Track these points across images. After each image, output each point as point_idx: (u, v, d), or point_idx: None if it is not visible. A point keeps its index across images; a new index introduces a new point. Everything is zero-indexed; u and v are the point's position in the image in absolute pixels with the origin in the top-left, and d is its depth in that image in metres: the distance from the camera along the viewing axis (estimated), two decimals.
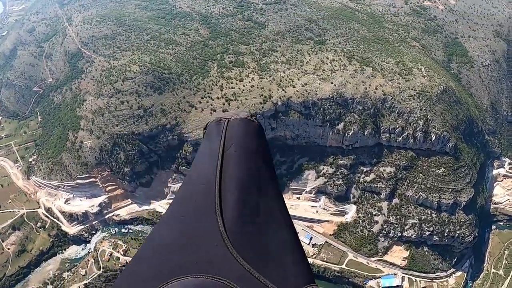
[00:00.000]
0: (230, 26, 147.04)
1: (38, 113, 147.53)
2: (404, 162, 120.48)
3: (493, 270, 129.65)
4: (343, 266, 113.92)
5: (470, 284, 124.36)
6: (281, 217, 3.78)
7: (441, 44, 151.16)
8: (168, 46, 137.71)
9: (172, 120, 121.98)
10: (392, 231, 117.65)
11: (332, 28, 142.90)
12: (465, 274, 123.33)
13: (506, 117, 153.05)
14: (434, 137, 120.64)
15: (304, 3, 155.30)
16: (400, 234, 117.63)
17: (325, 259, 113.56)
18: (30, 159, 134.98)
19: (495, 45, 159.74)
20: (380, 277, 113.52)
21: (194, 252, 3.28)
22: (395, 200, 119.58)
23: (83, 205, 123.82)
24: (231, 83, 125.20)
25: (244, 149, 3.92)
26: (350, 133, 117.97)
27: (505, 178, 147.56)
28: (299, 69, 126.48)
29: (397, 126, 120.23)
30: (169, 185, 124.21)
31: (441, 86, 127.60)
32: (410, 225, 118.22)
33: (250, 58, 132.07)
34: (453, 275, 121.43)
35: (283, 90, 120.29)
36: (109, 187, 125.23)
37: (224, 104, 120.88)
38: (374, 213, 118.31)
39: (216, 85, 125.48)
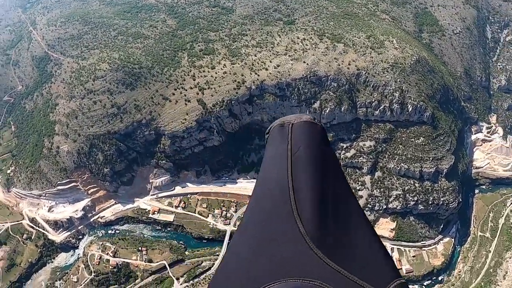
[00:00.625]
0: (198, 14, 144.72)
1: (11, 123, 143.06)
2: (383, 135, 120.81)
3: (479, 233, 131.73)
4: None
5: (459, 249, 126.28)
6: (358, 214, 3.82)
7: (411, 15, 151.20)
8: (136, 40, 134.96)
9: (147, 115, 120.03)
10: (377, 204, 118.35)
11: (301, 7, 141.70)
12: (453, 239, 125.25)
13: (481, 82, 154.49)
14: (410, 108, 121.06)
15: None
16: (385, 207, 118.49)
17: None
18: (8, 171, 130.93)
19: (465, 12, 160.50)
20: None
21: (279, 256, 3.24)
22: (378, 173, 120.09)
23: (66, 211, 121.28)
24: (203, 71, 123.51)
25: (312, 152, 3.91)
26: (327, 111, 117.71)
27: (484, 142, 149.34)
28: (270, 51, 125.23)
29: (373, 100, 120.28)
30: (151, 180, 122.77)
31: (414, 57, 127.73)
32: (394, 196, 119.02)
33: (220, 44, 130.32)
34: (441, 241, 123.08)
35: (256, 73, 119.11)
36: (91, 190, 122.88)
37: (198, 94, 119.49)
38: (358, 188, 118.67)
39: (188, 75, 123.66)
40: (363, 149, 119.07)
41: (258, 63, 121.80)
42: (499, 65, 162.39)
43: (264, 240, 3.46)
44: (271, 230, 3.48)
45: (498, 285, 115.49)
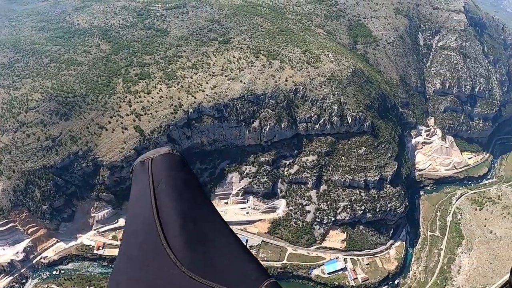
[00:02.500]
0: (132, 37, 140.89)
1: None
2: (325, 148, 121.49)
3: (429, 233, 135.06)
4: (285, 261, 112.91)
5: (411, 251, 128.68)
6: (223, 231, 3.98)
7: (345, 27, 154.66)
8: (70, 67, 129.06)
9: (83, 146, 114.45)
10: (325, 217, 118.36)
11: (236, 25, 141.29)
12: (404, 242, 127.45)
13: (416, 88, 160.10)
14: (350, 119, 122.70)
15: (204, 4, 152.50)
16: (334, 219, 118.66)
17: (265, 258, 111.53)
18: None
19: (397, 22, 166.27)
20: (324, 264, 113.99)
21: (157, 287, 3.45)
22: (323, 187, 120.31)
23: (7, 254, 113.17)
24: (139, 96, 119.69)
25: (173, 181, 4.05)
26: (267, 129, 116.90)
27: (424, 145, 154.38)
28: (206, 72, 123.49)
29: (313, 114, 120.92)
30: (92, 214, 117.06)
31: (350, 69, 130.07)
32: (341, 208, 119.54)
33: (156, 67, 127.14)
34: (393, 246, 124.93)
35: (192, 96, 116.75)
36: (31, 229, 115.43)
37: (134, 121, 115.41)
38: (304, 204, 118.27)
39: (124, 101, 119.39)
40: (306, 164, 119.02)
41: (194, 85, 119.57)
42: (433, 70, 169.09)
43: (138, 277, 3.54)
44: (145, 264, 3.54)
45: (453, 280, 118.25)
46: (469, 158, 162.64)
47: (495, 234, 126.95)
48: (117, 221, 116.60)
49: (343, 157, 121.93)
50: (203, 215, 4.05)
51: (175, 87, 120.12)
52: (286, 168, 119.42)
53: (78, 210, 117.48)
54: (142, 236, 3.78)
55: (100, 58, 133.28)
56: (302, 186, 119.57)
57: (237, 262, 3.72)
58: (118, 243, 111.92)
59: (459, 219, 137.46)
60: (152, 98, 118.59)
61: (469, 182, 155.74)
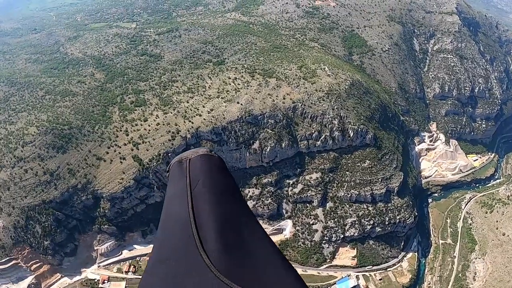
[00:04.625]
0: (126, 64, 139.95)
1: None
2: (328, 164, 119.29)
3: (441, 241, 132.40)
4: None
5: (423, 261, 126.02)
6: (261, 237, 3.91)
7: (339, 39, 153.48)
8: (65, 99, 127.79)
9: (82, 179, 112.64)
10: (333, 235, 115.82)
11: (229, 46, 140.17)
12: (416, 253, 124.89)
13: (416, 94, 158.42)
14: (352, 133, 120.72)
15: (197, 26, 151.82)
16: (342, 236, 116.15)
17: None
18: None
19: (391, 29, 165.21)
20: (335, 283, 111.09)
21: None
22: (329, 204, 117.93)
23: None
24: (136, 125, 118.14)
25: (212, 183, 4.02)
26: (268, 150, 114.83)
27: (428, 151, 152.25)
28: (202, 95, 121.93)
29: (313, 131, 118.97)
30: (95, 248, 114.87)
31: (348, 81, 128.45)
32: (350, 224, 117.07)
33: (151, 94, 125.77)
34: (405, 258, 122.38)
35: (189, 121, 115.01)
36: (34, 266, 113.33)
37: (132, 150, 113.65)
38: (311, 222, 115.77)
39: (120, 130, 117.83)
40: (310, 182, 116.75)
41: (191, 110, 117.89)
42: (431, 74, 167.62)
43: (172, 278, 3.45)
44: (178, 267, 3.46)
45: (470, 287, 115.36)
46: (474, 160, 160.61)
47: (508, 236, 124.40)
48: (121, 253, 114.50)
49: (347, 172, 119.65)
50: (241, 220, 3.95)
51: (171, 112, 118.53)
52: (290, 188, 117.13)
53: (81, 244, 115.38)
54: (176, 238, 3.70)
55: (95, 88, 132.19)
56: (308, 205, 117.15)
57: (274, 272, 3.55)
58: (124, 275, 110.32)
59: (470, 224, 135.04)
60: (149, 125, 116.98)
61: (477, 185, 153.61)
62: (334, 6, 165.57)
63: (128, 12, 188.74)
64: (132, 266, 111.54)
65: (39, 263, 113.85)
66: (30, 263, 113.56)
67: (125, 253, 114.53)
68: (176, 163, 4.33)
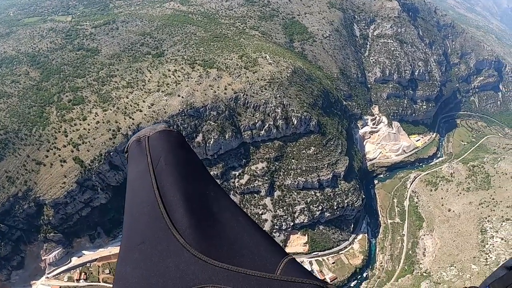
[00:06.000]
0: (62, 61, 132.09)
1: None
2: (273, 153, 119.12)
3: (389, 221, 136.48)
4: None
5: (374, 241, 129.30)
6: (231, 209, 3.77)
7: (280, 26, 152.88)
8: None
9: (22, 186, 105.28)
10: (283, 223, 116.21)
11: (168, 37, 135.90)
12: (366, 234, 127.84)
13: (357, 79, 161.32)
14: (295, 121, 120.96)
15: (134, 18, 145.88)
16: (292, 223, 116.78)
17: None
18: None
19: (332, 16, 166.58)
20: None
21: (166, 274, 3.23)
22: (277, 193, 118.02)
23: None
24: (75, 124, 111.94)
25: (174, 159, 3.87)
26: (211, 142, 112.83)
27: (371, 134, 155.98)
28: (142, 90, 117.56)
29: (257, 121, 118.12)
30: (43, 258, 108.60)
31: (290, 69, 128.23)
32: (299, 211, 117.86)
33: (89, 91, 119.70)
34: (355, 240, 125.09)
35: (130, 117, 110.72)
36: None
37: (72, 151, 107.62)
38: (260, 213, 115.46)
39: (59, 131, 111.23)
40: (257, 172, 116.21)
41: (131, 105, 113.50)
42: (372, 59, 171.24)
43: (147, 262, 3.30)
44: (152, 251, 3.32)
45: (420, 263, 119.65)
46: (417, 141, 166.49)
47: (453, 211, 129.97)
48: (70, 261, 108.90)
49: (293, 160, 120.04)
50: (209, 193, 3.81)
51: (111, 109, 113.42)
52: (237, 179, 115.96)
53: (28, 255, 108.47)
54: (145, 221, 3.53)
55: (30, 87, 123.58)
56: (256, 195, 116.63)
57: (250, 241, 3.44)
58: (75, 284, 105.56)
59: (416, 202, 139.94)
60: (89, 124, 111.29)
61: (421, 164, 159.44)
62: None
63: (63, 4, 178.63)
64: (83, 273, 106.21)
65: None
66: None
67: (74, 260, 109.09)
68: (134, 142, 4.02)
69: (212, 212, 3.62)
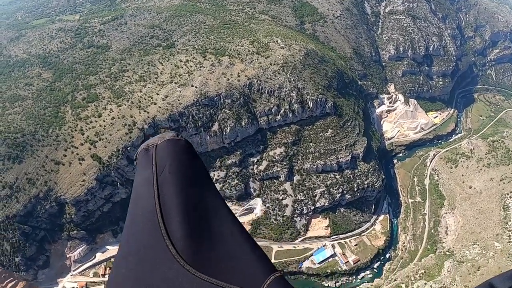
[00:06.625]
0: (73, 59, 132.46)
1: None
2: (291, 138, 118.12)
3: (410, 200, 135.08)
4: (272, 260, 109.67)
5: (396, 222, 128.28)
6: (228, 222, 3.77)
7: (290, 9, 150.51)
8: (14, 104, 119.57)
9: (43, 187, 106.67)
10: (304, 207, 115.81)
11: (178, 27, 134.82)
12: (387, 215, 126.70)
13: (371, 57, 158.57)
14: (311, 104, 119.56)
15: (142, 11, 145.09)
16: (313, 207, 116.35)
17: None
18: None
19: None
20: (312, 254, 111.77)
21: (154, 284, 3.33)
22: (296, 177, 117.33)
23: None
24: (90, 122, 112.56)
25: (178, 168, 3.84)
26: (228, 130, 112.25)
27: (388, 113, 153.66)
28: (155, 83, 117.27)
29: (272, 106, 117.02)
30: (68, 255, 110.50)
31: (302, 52, 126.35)
32: (319, 195, 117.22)
33: (103, 87, 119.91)
34: (377, 221, 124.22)
35: (145, 111, 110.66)
36: (9, 284, 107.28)
37: (90, 149, 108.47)
38: (281, 198, 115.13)
39: (75, 130, 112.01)
40: (275, 158, 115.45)
41: (145, 99, 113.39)
42: (385, 37, 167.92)
43: (138, 271, 3.37)
44: (144, 259, 3.39)
45: (443, 242, 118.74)
46: (435, 117, 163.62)
47: (475, 188, 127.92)
48: (95, 257, 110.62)
49: (311, 144, 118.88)
50: (208, 204, 3.80)
51: (125, 104, 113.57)
52: (255, 166, 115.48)
53: (53, 254, 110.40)
54: (141, 228, 3.57)
55: (43, 88, 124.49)
56: (275, 180, 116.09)
57: (241, 256, 3.50)
58: (101, 279, 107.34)
59: (437, 180, 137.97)
60: (104, 121, 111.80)
61: (440, 141, 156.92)
62: None
63: (70, 3, 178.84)
64: (108, 268, 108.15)
65: (14, 281, 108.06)
66: (5, 282, 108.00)
67: (99, 256, 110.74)
68: (142, 150, 4.00)
69: (208, 223, 3.61)
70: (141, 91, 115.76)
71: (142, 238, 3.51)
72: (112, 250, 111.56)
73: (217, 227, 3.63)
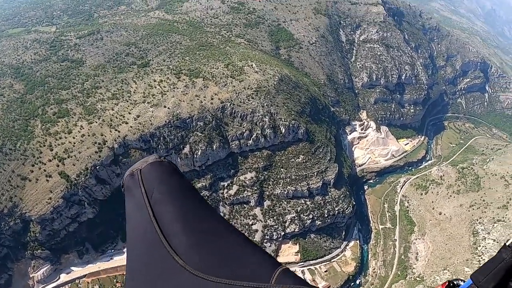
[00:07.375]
0: (46, 72, 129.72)
1: None
2: (262, 163, 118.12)
3: (381, 226, 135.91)
4: None
5: (366, 247, 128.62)
6: (224, 226, 3.92)
7: (266, 34, 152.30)
8: None
9: (7, 203, 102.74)
10: (274, 233, 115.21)
11: (153, 46, 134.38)
12: (358, 241, 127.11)
13: (344, 84, 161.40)
14: (283, 129, 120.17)
15: (119, 27, 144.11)
16: (283, 233, 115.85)
17: None
18: None
19: (317, 22, 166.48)
20: None
21: None
22: (267, 203, 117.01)
23: None
24: (60, 138, 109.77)
25: (166, 188, 4.02)
26: (199, 153, 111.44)
27: (360, 140, 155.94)
28: (128, 101, 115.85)
29: (244, 130, 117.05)
30: (31, 275, 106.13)
31: (276, 77, 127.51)
32: (289, 220, 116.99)
33: (74, 103, 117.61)
34: (347, 247, 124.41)
35: (116, 130, 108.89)
36: None
37: (58, 166, 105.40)
38: (250, 223, 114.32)
39: (44, 145, 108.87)
40: (246, 183, 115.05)
41: (116, 118, 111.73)
42: (358, 64, 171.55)
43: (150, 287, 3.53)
44: (153, 276, 3.49)
45: (413, 268, 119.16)
46: (405, 144, 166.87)
47: (444, 215, 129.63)
48: (59, 278, 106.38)
49: (282, 169, 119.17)
50: (201, 215, 3.96)
51: (96, 122, 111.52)
52: (226, 190, 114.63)
53: (15, 273, 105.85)
54: (145, 249, 3.69)
55: (14, 100, 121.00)
56: (245, 205, 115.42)
57: (245, 256, 3.59)
58: None
59: (407, 207, 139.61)
60: (74, 138, 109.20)
61: (410, 168, 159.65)
62: (259, 1, 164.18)
63: (48, 14, 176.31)
64: None
65: None
66: None
67: (63, 277, 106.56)
68: (128, 177, 4.17)
69: (207, 231, 3.73)
70: (113, 109, 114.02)
71: (147, 256, 3.62)
72: (77, 271, 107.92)
73: (216, 232, 3.77)
